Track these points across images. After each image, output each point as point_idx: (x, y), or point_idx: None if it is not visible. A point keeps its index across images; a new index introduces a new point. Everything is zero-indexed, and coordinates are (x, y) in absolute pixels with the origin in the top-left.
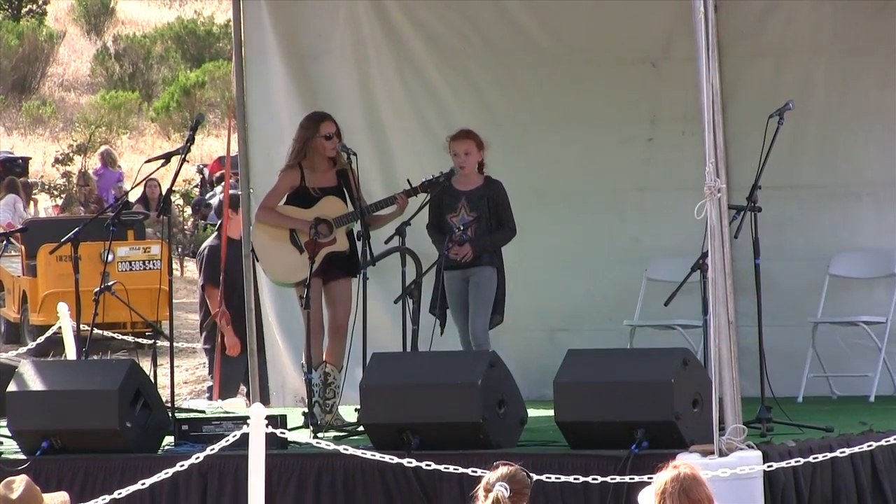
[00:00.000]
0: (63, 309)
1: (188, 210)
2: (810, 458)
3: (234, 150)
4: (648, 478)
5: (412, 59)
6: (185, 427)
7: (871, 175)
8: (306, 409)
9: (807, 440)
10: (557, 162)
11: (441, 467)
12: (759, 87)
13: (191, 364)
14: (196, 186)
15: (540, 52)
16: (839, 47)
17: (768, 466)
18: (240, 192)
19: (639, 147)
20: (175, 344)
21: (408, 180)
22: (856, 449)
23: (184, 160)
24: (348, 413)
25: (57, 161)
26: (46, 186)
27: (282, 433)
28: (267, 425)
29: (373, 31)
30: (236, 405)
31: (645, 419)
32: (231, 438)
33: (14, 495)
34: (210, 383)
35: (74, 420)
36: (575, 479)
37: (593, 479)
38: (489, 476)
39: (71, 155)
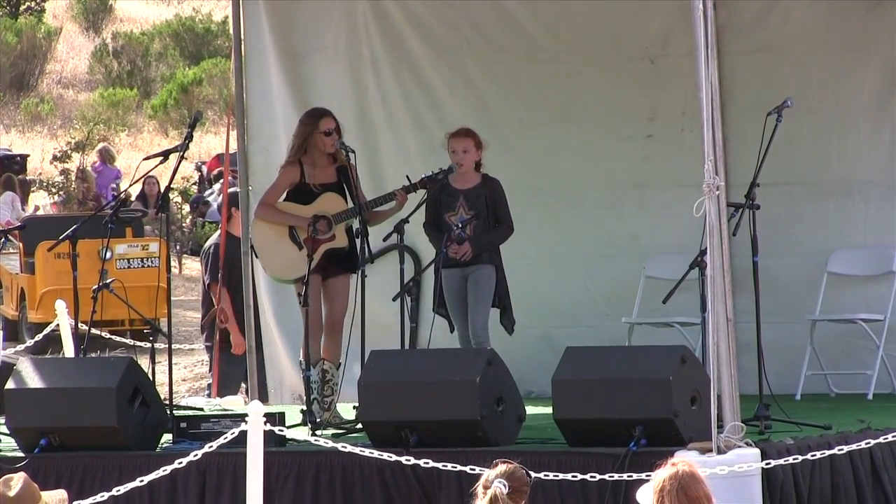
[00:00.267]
0: (61, 306)
1: (186, 207)
2: (808, 456)
3: (233, 147)
4: (647, 475)
5: (409, 56)
6: (183, 424)
7: (869, 173)
8: (304, 407)
9: (805, 438)
10: (555, 159)
11: (439, 465)
12: (756, 85)
13: (189, 362)
14: (194, 184)
15: (538, 49)
16: (835, 45)
17: (766, 464)
18: (239, 190)
19: (637, 144)
20: (173, 343)
21: (407, 177)
22: (854, 446)
23: (182, 157)
24: (346, 410)
25: (55, 158)
26: (44, 184)
27: (280, 431)
28: (265, 423)
29: (369, 29)
30: (235, 403)
31: (643, 416)
32: (229, 436)
33: (12, 493)
34: (211, 381)
35: (72, 417)
36: (573, 476)
37: (591, 476)
38: (488, 474)
39: (69, 152)
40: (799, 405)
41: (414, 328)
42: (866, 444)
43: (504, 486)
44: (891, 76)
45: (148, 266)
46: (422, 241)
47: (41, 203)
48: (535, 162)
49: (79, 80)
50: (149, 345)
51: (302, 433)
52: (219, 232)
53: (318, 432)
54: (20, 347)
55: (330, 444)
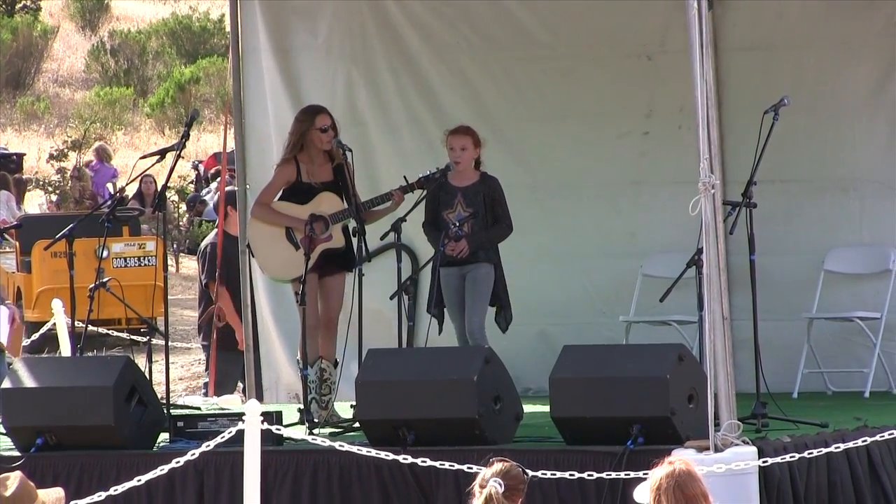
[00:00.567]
0: (58, 305)
1: (183, 206)
2: (805, 454)
3: (230, 145)
4: (644, 474)
5: (406, 54)
6: (180, 424)
7: (865, 170)
8: (301, 406)
9: (802, 436)
10: (552, 156)
11: (437, 464)
12: (752, 82)
13: (186, 360)
14: (191, 183)
15: (535, 46)
16: (830, 42)
17: (763, 462)
18: (237, 188)
19: (635, 141)
20: (170, 341)
21: (404, 177)
22: (851, 444)
23: (179, 156)
24: (344, 409)
25: (51, 157)
26: (41, 182)
27: (277, 430)
28: (262, 422)
29: (366, 27)
30: (232, 401)
31: (640, 415)
32: (226, 435)
33: (8, 492)
34: (207, 380)
35: (69, 417)
36: (571, 475)
37: (589, 475)
38: (483, 472)
39: (66, 151)
40: (796, 403)
41: (411, 327)
42: (863, 441)
43: (500, 484)
44: (886, 73)
45: (145, 265)
46: (419, 239)
47: (38, 202)
48: (532, 159)
49: (75, 79)
50: (145, 342)
51: (299, 432)
52: (215, 231)
53: (316, 431)
54: None
55: (327, 442)
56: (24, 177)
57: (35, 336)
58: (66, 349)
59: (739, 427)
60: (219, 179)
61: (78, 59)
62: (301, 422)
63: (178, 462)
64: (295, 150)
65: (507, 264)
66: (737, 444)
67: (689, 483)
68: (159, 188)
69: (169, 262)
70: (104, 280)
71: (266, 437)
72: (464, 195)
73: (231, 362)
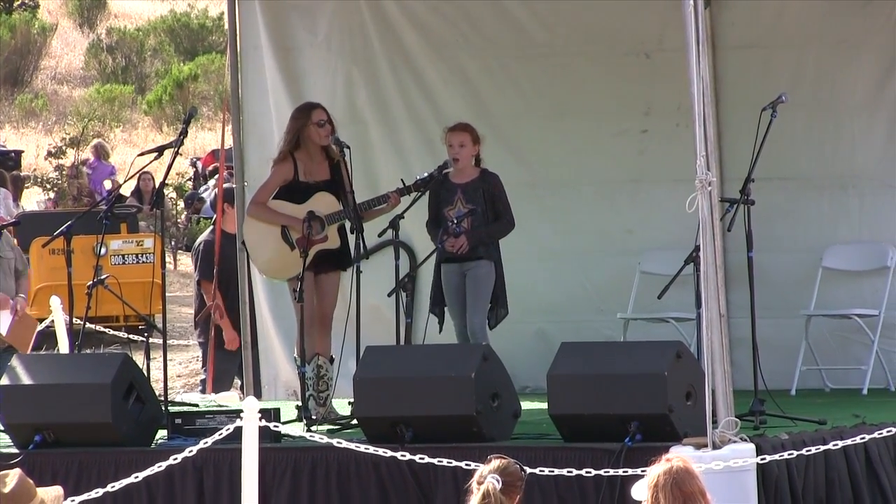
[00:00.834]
0: (56, 302)
1: (181, 203)
2: (803, 451)
3: (228, 143)
4: (642, 471)
5: (405, 52)
6: (178, 421)
7: (863, 168)
8: (299, 403)
9: (800, 433)
10: (551, 154)
11: (435, 460)
12: (750, 80)
13: (184, 358)
14: (189, 180)
15: (533, 44)
16: (829, 40)
17: (761, 459)
18: (235, 186)
19: (633, 139)
20: (168, 339)
21: (401, 180)
22: (849, 441)
23: (177, 153)
24: (342, 406)
25: (50, 154)
26: (39, 180)
27: (275, 427)
28: (260, 419)
29: (365, 25)
30: (229, 399)
31: (638, 412)
32: (224, 432)
33: (7, 489)
34: (204, 377)
35: (67, 414)
36: (569, 472)
37: (587, 472)
38: (481, 469)
39: (64, 148)
40: (794, 400)
41: (409, 324)
42: (861, 439)
43: (497, 481)
44: (885, 71)
45: (143, 262)
46: (417, 236)
47: (37, 199)
48: (530, 156)
49: (73, 76)
50: (143, 339)
51: (297, 429)
52: (210, 229)
53: (314, 428)
54: None
55: (325, 439)
56: (22, 174)
57: None
58: (64, 346)
59: (737, 424)
60: (217, 177)
61: (76, 57)
62: (299, 419)
63: (175, 459)
64: (291, 146)
65: (505, 262)
66: (734, 442)
67: (687, 480)
68: (157, 185)
69: (167, 259)
70: (102, 277)
71: (264, 434)
72: (464, 192)
73: (228, 359)
